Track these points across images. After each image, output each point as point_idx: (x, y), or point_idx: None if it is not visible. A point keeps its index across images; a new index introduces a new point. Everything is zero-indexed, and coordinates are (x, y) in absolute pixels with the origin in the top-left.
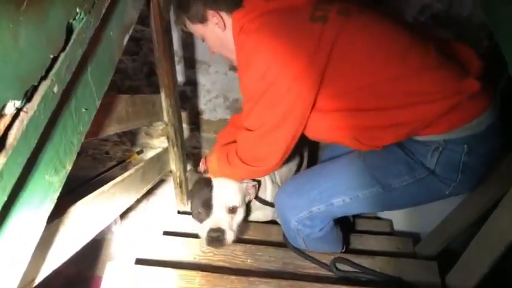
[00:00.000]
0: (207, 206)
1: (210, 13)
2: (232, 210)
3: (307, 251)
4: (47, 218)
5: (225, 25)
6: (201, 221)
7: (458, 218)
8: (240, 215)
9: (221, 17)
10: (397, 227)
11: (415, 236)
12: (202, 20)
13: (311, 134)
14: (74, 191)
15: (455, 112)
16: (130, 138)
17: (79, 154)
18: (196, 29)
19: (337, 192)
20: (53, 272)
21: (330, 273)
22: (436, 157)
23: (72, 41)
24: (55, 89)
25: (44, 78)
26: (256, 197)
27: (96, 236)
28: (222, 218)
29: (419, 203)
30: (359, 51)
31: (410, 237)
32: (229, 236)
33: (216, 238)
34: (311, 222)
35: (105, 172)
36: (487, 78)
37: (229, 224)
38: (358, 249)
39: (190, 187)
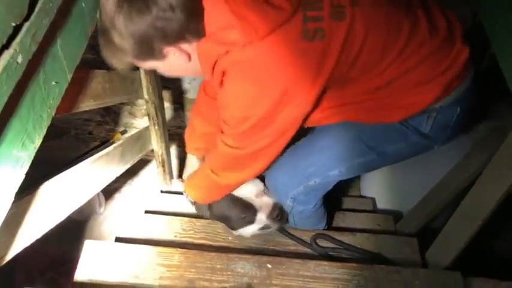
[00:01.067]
0: (246, 207)
1: (170, 49)
2: (263, 192)
3: (288, 228)
4: (14, 193)
5: (190, 57)
6: (252, 222)
7: (438, 194)
8: (267, 191)
9: (184, 50)
10: (380, 205)
11: (397, 214)
12: (158, 57)
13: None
14: (56, 172)
15: (451, 82)
16: (113, 118)
17: (61, 134)
18: (145, 64)
19: (333, 165)
20: (37, 252)
21: (310, 251)
22: (430, 123)
23: (37, 9)
24: (19, 59)
25: (5, 47)
26: None
27: (81, 216)
28: (265, 202)
29: (407, 158)
30: (367, 52)
31: (392, 215)
32: (281, 208)
33: (277, 216)
34: (305, 197)
35: (89, 152)
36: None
37: (272, 200)
38: (340, 226)
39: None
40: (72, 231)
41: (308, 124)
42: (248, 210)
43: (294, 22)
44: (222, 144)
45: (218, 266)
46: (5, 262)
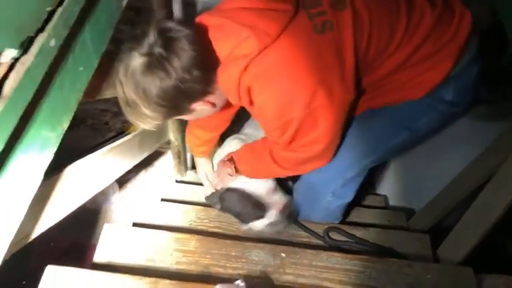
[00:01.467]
0: (256, 203)
1: (196, 104)
2: (275, 189)
3: (302, 220)
4: (43, 172)
5: (214, 104)
6: (262, 217)
7: (452, 192)
8: (280, 188)
9: (207, 101)
10: (392, 202)
11: (409, 212)
12: (186, 113)
13: None
14: (72, 160)
15: (463, 47)
16: None
17: (78, 124)
18: (174, 119)
19: (370, 151)
20: (51, 240)
21: (322, 243)
22: (451, 89)
23: None
24: (52, 43)
25: (40, 30)
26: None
27: (94, 205)
28: (276, 199)
29: (438, 131)
30: (376, 36)
31: (404, 212)
32: (293, 206)
33: (288, 215)
34: (343, 190)
35: (104, 143)
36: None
37: (284, 199)
38: (351, 221)
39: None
40: (85, 220)
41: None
42: (259, 206)
43: (300, 20)
44: (282, 152)
45: (233, 253)
46: (30, 240)
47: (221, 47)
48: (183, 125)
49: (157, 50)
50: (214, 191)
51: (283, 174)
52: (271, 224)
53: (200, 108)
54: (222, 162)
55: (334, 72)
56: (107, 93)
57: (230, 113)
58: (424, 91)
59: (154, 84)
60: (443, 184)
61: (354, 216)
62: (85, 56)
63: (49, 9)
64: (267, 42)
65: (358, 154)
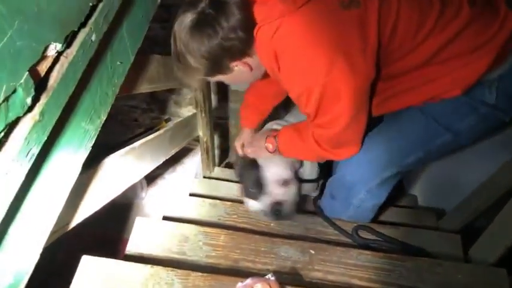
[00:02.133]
0: (259, 184)
1: (235, 64)
2: (285, 183)
3: (333, 219)
4: (82, 163)
5: (251, 68)
6: (256, 198)
7: (484, 193)
8: (293, 187)
9: (246, 63)
10: (422, 202)
11: (439, 212)
12: (225, 72)
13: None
14: (103, 155)
15: (503, 48)
16: (158, 106)
17: (108, 119)
18: (213, 79)
19: (409, 151)
20: (81, 233)
21: (351, 241)
22: (494, 92)
23: None
24: (93, 38)
25: (83, 25)
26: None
27: (124, 200)
28: (277, 192)
29: (484, 137)
30: (404, 20)
31: (434, 212)
32: (287, 207)
33: (276, 211)
34: (379, 190)
35: (133, 138)
36: None
37: (285, 196)
38: (381, 220)
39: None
40: (114, 214)
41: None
42: (258, 189)
43: None
44: (318, 129)
45: (262, 249)
46: (69, 229)
47: (259, 11)
48: (211, 121)
49: (208, 10)
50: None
51: (322, 156)
52: (262, 211)
53: (238, 69)
54: (265, 136)
55: (356, 45)
56: (141, 88)
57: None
58: (459, 89)
59: (202, 39)
60: (475, 185)
61: (383, 215)
62: (122, 50)
63: (91, 3)
64: (291, 9)
65: (397, 154)
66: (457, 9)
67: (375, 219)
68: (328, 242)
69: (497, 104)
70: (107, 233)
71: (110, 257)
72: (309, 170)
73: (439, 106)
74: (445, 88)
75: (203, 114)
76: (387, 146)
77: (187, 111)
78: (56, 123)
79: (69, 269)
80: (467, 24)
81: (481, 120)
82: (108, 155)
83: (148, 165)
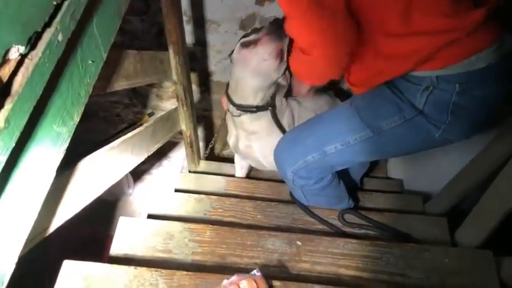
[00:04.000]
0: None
1: None
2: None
3: (312, 207)
4: (56, 167)
5: None
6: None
7: (469, 175)
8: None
9: None
10: (408, 186)
11: (425, 195)
12: None
13: None
14: (86, 153)
15: (454, 46)
16: (141, 100)
17: (90, 117)
18: None
19: (329, 139)
20: (69, 232)
21: (339, 229)
22: (425, 96)
23: None
24: (59, 37)
25: (47, 25)
26: (273, 112)
27: (111, 198)
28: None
29: (411, 149)
30: None
31: (420, 196)
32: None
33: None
34: (307, 173)
35: (117, 134)
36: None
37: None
38: (367, 206)
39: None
40: (102, 212)
41: None
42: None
43: None
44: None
45: (249, 243)
46: (47, 234)
47: None
48: (194, 114)
49: None
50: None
51: (308, 64)
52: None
53: None
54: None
55: None
56: (117, 85)
57: None
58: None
59: None
60: (460, 167)
61: (368, 201)
62: (93, 48)
63: (55, 2)
64: None
65: (320, 136)
66: None
67: (360, 205)
68: (316, 232)
69: (424, 110)
70: (97, 231)
71: (100, 256)
72: (287, 121)
73: (365, 99)
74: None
75: (185, 108)
76: (311, 127)
77: (169, 104)
78: (24, 128)
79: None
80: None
81: (405, 124)
82: (91, 152)
83: (130, 163)
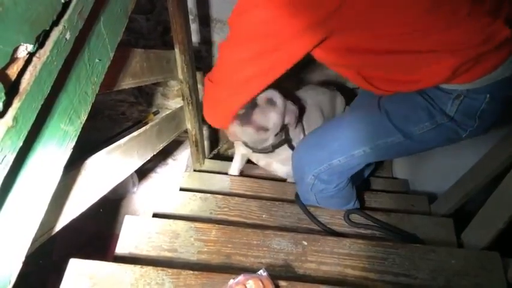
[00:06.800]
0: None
1: None
2: (270, 102)
3: (311, 207)
4: (63, 166)
5: None
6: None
7: (476, 176)
8: (277, 115)
9: None
10: (413, 186)
11: (431, 196)
12: None
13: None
14: (91, 151)
15: (480, 62)
16: (146, 99)
17: (95, 115)
18: None
19: (358, 142)
20: (74, 230)
21: (344, 229)
22: (456, 105)
23: None
24: (67, 36)
25: (55, 23)
26: (289, 142)
27: (116, 196)
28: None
29: (434, 147)
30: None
31: (426, 196)
32: (259, 115)
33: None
34: (328, 177)
35: (122, 132)
36: None
37: (264, 107)
38: (373, 206)
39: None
40: (107, 210)
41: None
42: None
43: None
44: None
45: (254, 242)
46: (53, 234)
47: None
48: (199, 113)
49: None
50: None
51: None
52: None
53: None
54: None
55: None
56: (123, 84)
57: None
58: (418, 86)
59: None
60: (467, 167)
61: (374, 201)
62: (101, 46)
63: (63, 0)
64: None
65: (347, 140)
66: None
67: (365, 205)
68: (322, 232)
69: (455, 118)
70: (101, 229)
71: (105, 254)
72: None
73: (397, 104)
74: (403, 81)
75: (190, 107)
76: (337, 130)
77: (175, 103)
78: (31, 127)
79: (66, 266)
80: (458, 22)
81: (436, 129)
82: (96, 151)
83: (136, 162)
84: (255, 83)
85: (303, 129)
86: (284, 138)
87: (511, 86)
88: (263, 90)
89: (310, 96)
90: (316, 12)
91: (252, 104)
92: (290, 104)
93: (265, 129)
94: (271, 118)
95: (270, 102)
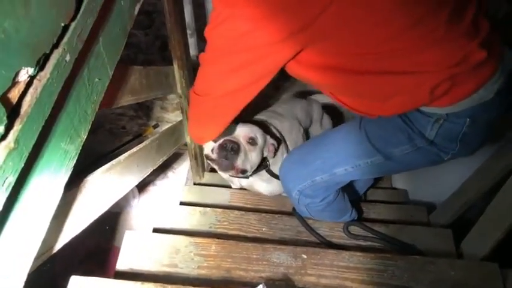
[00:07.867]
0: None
1: None
2: (251, 142)
3: (310, 219)
4: (64, 185)
5: None
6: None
7: (474, 185)
8: (257, 154)
9: None
10: (412, 196)
11: (430, 206)
12: None
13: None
14: (91, 165)
15: (458, 84)
16: (146, 112)
17: (96, 129)
18: None
19: (340, 161)
20: (75, 243)
21: (343, 241)
22: (436, 129)
23: (82, 9)
24: (67, 58)
25: (55, 46)
26: (268, 169)
27: (116, 209)
28: (239, 135)
29: (418, 168)
30: (358, 18)
31: (424, 206)
32: (241, 159)
33: (227, 148)
34: (313, 192)
35: (122, 146)
36: (495, 38)
37: (246, 149)
38: (372, 217)
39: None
40: (108, 223)
41: (293, 72)
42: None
43: None
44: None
45: (254, 256)
46: (54, 252)
47: None
48: None
49: None
50: None
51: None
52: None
53: None
54: None
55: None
56: (123, 101)
57: None
58: (395, 110)
59: None
60: (465, 177)
61: (372, 212)
62: (100, 66)
63: (63, 24)
64: None
65: (329, 159)
66: (437, 24)
67: (364, 216)
68: (321, 245)
69: (434, 141)
70: (101, 242)
71: (105, 267)
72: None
73: (377, 126)
74: (382, 103)
75: None
76: (320, 149)
77: (174, 116)
78: (33, 148)
79: (67, 281)
80: (435, 42)
81: (417, 151)
82: (98, 164)
83: (136, 178)
84: (241, 94)
85: (287, 147)
86: (263, 165)
87: (494, 108)
88: (246, 107)
89: (286, 110)
90: (293, 22)
91: (234, 147)
92: (269, 138)
93: (246, 171)
94: (252, 160)
95: (252, 142)
